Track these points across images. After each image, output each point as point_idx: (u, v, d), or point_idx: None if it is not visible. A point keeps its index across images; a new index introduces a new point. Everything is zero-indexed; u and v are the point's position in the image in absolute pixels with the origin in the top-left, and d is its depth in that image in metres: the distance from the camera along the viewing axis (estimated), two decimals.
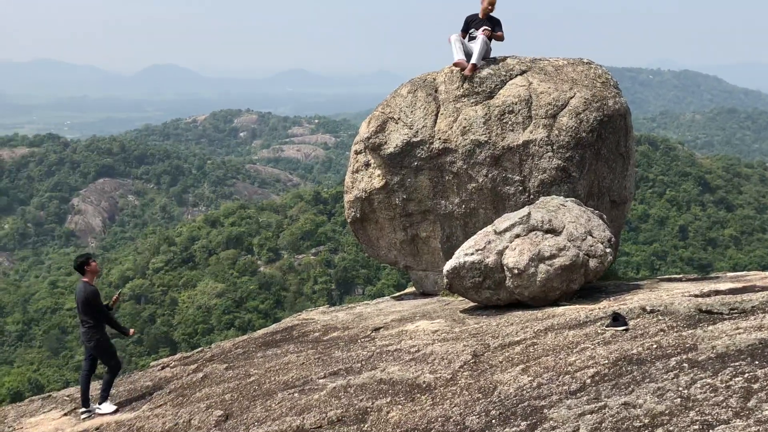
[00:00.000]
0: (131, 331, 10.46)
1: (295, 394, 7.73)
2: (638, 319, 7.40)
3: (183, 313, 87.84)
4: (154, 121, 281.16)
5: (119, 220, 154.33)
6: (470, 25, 13.70)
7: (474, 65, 13.20)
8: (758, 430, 3.79)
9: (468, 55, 13.40)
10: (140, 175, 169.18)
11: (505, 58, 13.82)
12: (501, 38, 13.63)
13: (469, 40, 13.57)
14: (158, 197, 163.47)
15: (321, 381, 8.02)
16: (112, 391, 10.34)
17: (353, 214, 14.40)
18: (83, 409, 9.87)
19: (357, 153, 14.28)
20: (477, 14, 13.72)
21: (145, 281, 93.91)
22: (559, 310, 9.32)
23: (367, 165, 13.99)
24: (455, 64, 13.45)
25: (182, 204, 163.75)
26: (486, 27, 13.37)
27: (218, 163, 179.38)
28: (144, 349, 79.81)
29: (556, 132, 12.46)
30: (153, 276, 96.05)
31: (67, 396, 11.56)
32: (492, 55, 13.87)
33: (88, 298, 9.57)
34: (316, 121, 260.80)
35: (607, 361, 5.97)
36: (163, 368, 11.99)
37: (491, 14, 13.67)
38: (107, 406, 9.77)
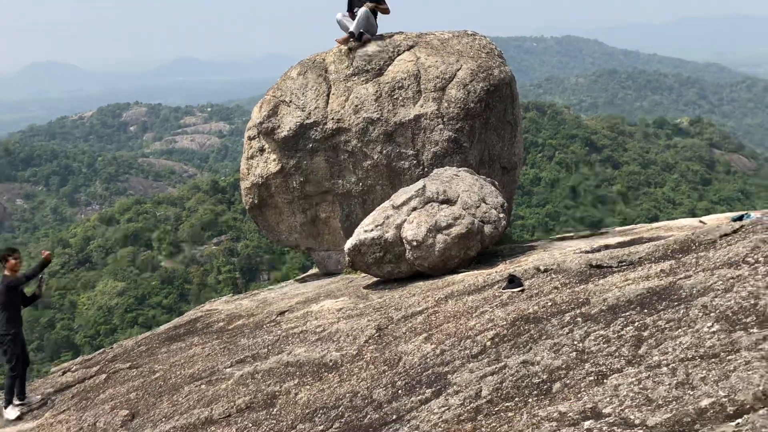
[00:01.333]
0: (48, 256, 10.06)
1: (202, 386, 7.65)
2: (533, 279, 7.60)
3: (83, 316, 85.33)
4: (39, 121, 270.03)
5: (8, 226, 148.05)
6: (354, 2, 13.76)
7: (350, 33, 13.37)
8: (648, 375, 3.95)
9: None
10: (28, 177, 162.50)
11: (392, 35, 13.91)
12: (386, 11, 13.70)
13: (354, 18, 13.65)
14: (48, 199, 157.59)
15: (228, 370, 7.96)
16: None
17: (251, 200, 14.27)
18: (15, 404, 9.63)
19: (251, 139, 14.14)
20: None
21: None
22: (458, 277, 9.50)
23: (262, 150, 13.87)
24: (336, 41, 13.62)
25: (74, 204, 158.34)
26: (368, 1, 13.44)
27: (109, 160, 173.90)
28: (45, 355, 77.08)
29: (446, 104, 12.63)
30: (49, 280, 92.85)
31: None
32: (380, 32, 13.94)
33: (7, 285, 9.40)
34: (209, 109, 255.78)
35: (505, 323, 6.12)
36: (64, 373, 11.65)
37: None
38: (11, 411, 9.50)
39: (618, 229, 13.19)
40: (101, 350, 13.22)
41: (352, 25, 13.50)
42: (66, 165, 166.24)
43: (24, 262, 10.13)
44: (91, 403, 8.79)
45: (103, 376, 10.03)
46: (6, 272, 9.56)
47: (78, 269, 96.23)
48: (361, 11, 13.32)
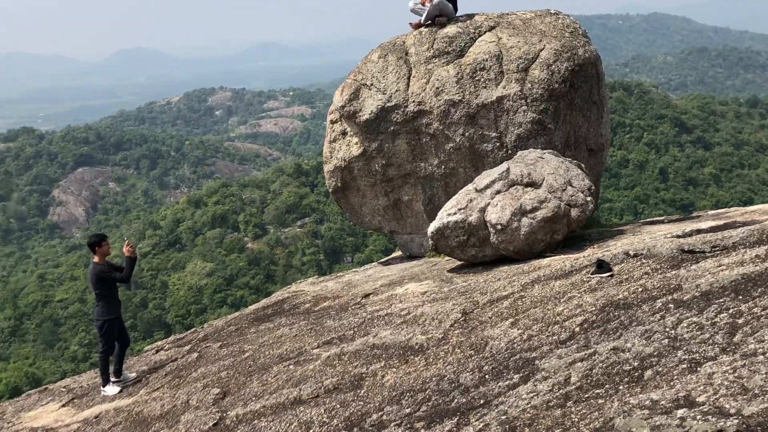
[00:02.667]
0: (130, 250, 10.21)
1: (290, 366, 7.79)
2: (623, 264, 7.46)
3: (174, 296, 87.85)
4: (128, 106, 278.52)
5: (102, 209, 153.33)
6: None
7: (419, 22, 13.68)
8: (744, 363, 3.85)
9: None
10: (119, 161, 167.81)
11: (472, 16, 13.79)
12: None
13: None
14: (139, 182, 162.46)
15: (315, 351, 8.08)
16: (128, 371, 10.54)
17: (334, 183, 14.40)
18: (113, 380, 10.04)
19: (333, 122, 14.25)
20: None
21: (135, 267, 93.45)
22: (545, 261, 9.39)
23: (344, 133, 13.97)
24: (410, 24, 13.87)
25: (164, 187, 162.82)
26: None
27: (196, 144, 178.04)
28: (138, 334, 79.83)
29: (529, 85, 12.47)
30: (141, 260, 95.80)
31: (64, 387, 11.59)
32: (459, 13, 13.86)
33: (98, 274, 9.73)
34: (291, 93, 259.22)
35: (594, 308, 6.04)
36: (157, 351, 12.04)
37: None
38: (111, 389, 9.91)
39: (710, 212, 12.82)
40: (192, 329, 13.59)
41: (424, 14, 13.55)
42: (155, 149, 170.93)
43: (115, 243, 10.43)
44: (183, 381, 9.05)
45: (195, 354, 10.31)
46: (95, 258, 9.83)
47: (168, 250, 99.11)
48: (435, 1, 13.34)
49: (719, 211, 12.73)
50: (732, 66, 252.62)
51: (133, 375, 10.36)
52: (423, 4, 13.58)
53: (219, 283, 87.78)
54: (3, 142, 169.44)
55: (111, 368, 10.17)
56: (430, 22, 13.62)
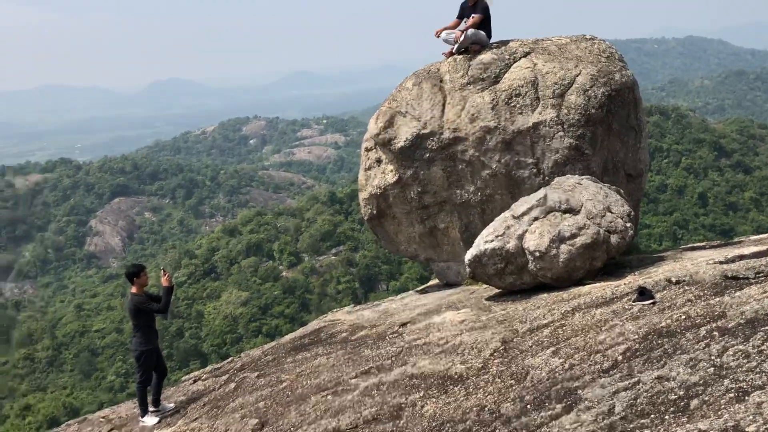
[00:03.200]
0: (168, 280, 10.23)
1: (329, 396, 7.75)
2: (665, 292, 7.36)
3: (210, 325, 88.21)
4: (164, 136, 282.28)
5: (138, 238, 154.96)
6: (464, 11, 13.80)
7: (451, 51, 13.67)
8: None
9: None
10: (155, 191, 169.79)
11: (506, 42, 13.80)
12: (477, 21, 13.53)
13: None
14: (175, 212, 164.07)
15: (353, 381, 8.04)
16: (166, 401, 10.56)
17: (369, 211, 14.40)
18: (151, 410, 10.07)
19: (368, 150, 14.28)
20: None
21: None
22: (585, 289, 9.29)
23: (379, 161, 13.99)
24: (443, 54, 13.93)
25: (199, 216, 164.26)
26: (459, 29, 13.46)
27: (231, 173, 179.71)
28: (175, 363, 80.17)
29: (565, 111, 12.40)
30: (177, 290, 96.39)
31: (103, 417, 11.64)
32: (494, 40, 13.87)
33: (136, 305, 9.77)
34: (324, 121, 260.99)
35: (636, 336, 5.95)
36: (195, 381, 12.06)
37: None
38: (149, 419, 9.94)
39: (753, 237, 12.62)
40: (229, 359, 13.60)
41: (455, 43, 13.59)
42: (190, 178, 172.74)
43: (152, 273, 10.48)
44: (221, 411, 9.05)
45: (233, 384, 10.31)
46: (134, 289, 9.89)
47: (204, 279, 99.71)
48: (468, 33, 13.35)
49: (761, 236, 12.53)
50: None
51: (172, 405, 10.38)
52: (456, 40, 13.57)
53: (254, 312, 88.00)
54: (41, 173, 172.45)
55: (149, 398, 10.20)
56: (463, 49, 13.64)
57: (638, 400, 4.52)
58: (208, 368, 13.29)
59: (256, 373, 10.48)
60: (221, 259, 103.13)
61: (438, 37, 13.85)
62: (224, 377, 11.26)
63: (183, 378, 13.36)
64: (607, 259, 10.31)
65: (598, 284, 9.45)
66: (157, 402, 10.23)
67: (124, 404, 13.00)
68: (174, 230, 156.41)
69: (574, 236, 9.92)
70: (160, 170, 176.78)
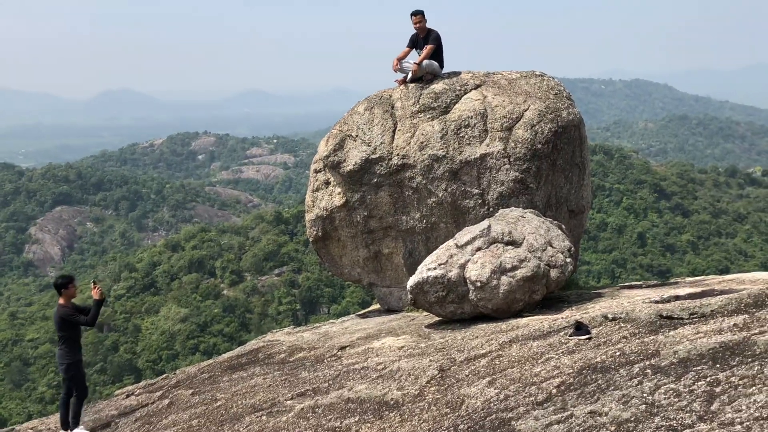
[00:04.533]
0: (98, 293, 10.01)
1: (263, 417, 7.66)
2: (601, 327, 7.46)
3: (146, 340, 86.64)
4: (111, 147, 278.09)
5: (78, 248, 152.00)
6: (416, 43, 13.94)
7: (404, 79, 13.88)
8: None
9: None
10: (98, 201, 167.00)
11: (458, 73, 13.96)
12: (430, 52, 13.69)
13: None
14: (117, 223, 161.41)
15: (289, 402, 7.96)
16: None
17: (315, 233, 14.36)
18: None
19: (316, 172, 14.27)
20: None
21: (107, 309, 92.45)
22: (523, 321, 9.37)
23: (327, 183, 13.99)
24: (396, 81, 14.09)
25: (142, 229, 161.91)
26: (414, 62, 13.60)
27: (177, 187, 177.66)
28: (108, 377, 78.51)
29: (513, 144, 12.58)
30: (115, 303, 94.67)
31: (31, 428, 11.33)
32: (445, 71, 14.03)
33: (63, 317, 9.56)
34: (275, 141, 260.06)
35: (571, 371, 6.01)
36: (128, 396, 11.82)
37: (428, 27, 13.85)
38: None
39: (688, 279, 12.89)
40: (164, 375, 13.38)
41: (409, 72, 13.71)
42: (135, 191, 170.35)
43: (90, 284, 10.24)
44: (153, 427, 8.88)
45: (166, 401, 10.13)
46: (61, 300, 9.71)
47: (143, 293, 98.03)
48: (423, 64, 13.51)
49: (697, 278, 12.81)
50: (712, 135, 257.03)
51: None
52: (413, 71, 13.69)
53: (192, 329, 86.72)
54: None
55: (81, 409, 9.95)
56: (416, 78, 13.78)
57: None
58: (142, 383, 13.05)
59: (191, 391, 10.32)
60: (162, 273, 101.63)
61: (396, 71, 13.95)
62: (158, 393, 11.06)
63: (116, 392, 13.09)
64: (547, 293, 10.43)
65: (536, 317, 9.54)
66: (75, 423, 9.92)
67: (53, 416, 12.67)
68: (115, 242, 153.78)
69: (515, 268, 10.02)
70: (104, 181, 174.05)
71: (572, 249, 10.88)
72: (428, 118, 13.16)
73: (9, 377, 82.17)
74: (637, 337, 6.65)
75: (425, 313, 11.74)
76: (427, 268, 10.63)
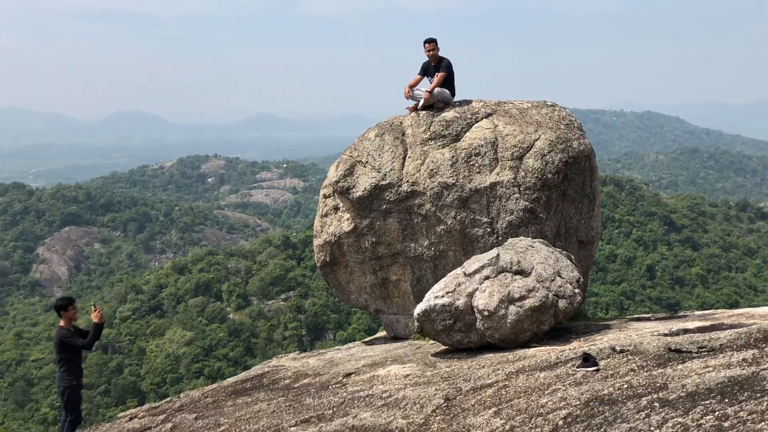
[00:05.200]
0: (98, 316, 10.01)
1: None
2: (608, 359, 7.41)
3: (151, 363, 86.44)
4: (121, 168, 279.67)
5: (85, 269, 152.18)
6: (427, 71, 14.02)
7: (415, 106, 13.92)
8: None
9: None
10: (106, 222, 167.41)
11: (470, 102, 14.01)
12: (442, 79, 13.75)
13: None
14: (125, 245, 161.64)
15: (292, 429, 7.90)
16: None
17: (323, 258, 14.35)
18: None
19: (326, 197, 14.29)
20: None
21: (112, 330, 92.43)
22: (530, 351, 9.31)
23: (336, 209, 14.00)
24: (407, 108, 14.15)
25: (149, 251, 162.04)
26: (426, 89, 13.68)
27: (186, 210, 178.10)
28: (111, 400, 78.30)
29: (523, 174, 12.58)
30: (120, 325, 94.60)
31: None
32: (457, 99, 14.08)
33: (61, 339, 9.54)
34: (285, 165, 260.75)
35: (578, 402, 5.95)
36: (131, 419, 11.76)
37: (440, 55, 13.92)
38: None
39: (697, 313, 12.81)
40: (168, 399, 13.31)
41: (421, 99, 13.77)
42: (144, 212, 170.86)
43: (94, 306, 10.22)
44: None
45: (170, 425, 10.07)
46: (62, 322, 9.71)
47: (149, 316, 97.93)
48: (435, 92, 13.58)
49: (706, 312, 12.73)
50: (723, 168, 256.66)
51: None
52: (425, 99, 13.75)
53: (197, 352, 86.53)
54: None
55: None
56: (428, 105, 13.83)
57: None
58: (146, 406, 12.99)
59: (194, 415, 10.26)
60: (168, 296, 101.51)
61: (407, 98, 14.02)
62: (161, 416, 11.00)
63: (119, 414, 13.02)
64: (555, 324, 10.37)
65: (543, 348, 9.48)
66: None
67: None
68: (122, 263, 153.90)
69: (523, 298, 9.98)
70: (113, 202, 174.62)
71: (581, 279, 10.83)
72: (439, 145, 13.19)
73: (12, 397, 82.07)
74: (645, 369, 6.60)
75: (432, 342, 11.68)
76: (434, 296, 10.60)
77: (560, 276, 10.52)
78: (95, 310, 9.83)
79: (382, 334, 15.61)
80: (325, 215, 14.22)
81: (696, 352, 6.88)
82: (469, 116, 13.45)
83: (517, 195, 12.55)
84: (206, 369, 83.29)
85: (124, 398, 77.04)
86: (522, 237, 11.90)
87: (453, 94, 13.96)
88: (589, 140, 13.80)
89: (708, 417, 4.70)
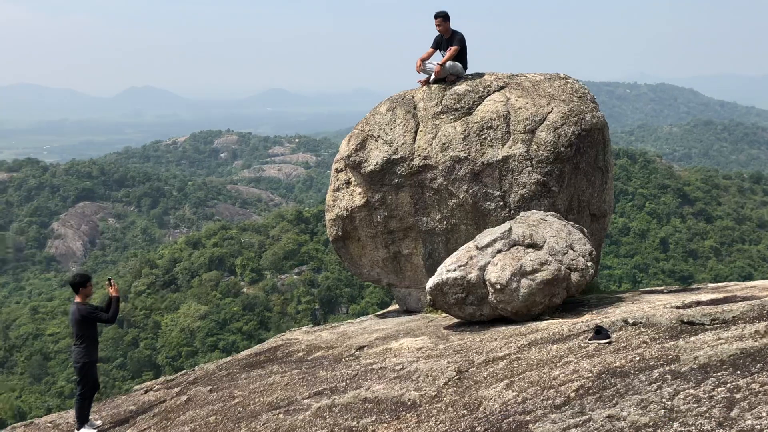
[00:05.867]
0: (116, 290, 10.17)
1: (280, 415, 7.68)
2: (621, 332, 7.41)
3: (166, 336, 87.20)
4: (134, 144, 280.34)
5: (100, 244, 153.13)
6: (440, 44, 13.90)
7: (427, 79, 13.84)
8: None
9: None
10: (120, 198, 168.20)
11: (482, 75, 13.91)
12: (454, 53, 13.65)
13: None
14: (139, 220, 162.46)
15: (306, 401, 7.97)
16: (95, 416, 10.30)
17: (335, 232, 14.37)
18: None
19: (338, 171, 14.29)
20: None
21: (128, 305, 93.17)
22: (542, 324, 9.33)
23: (348, 183, 14.00)
24: (419, 82, 14.02)
25: (163, 226, 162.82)
26: (438, 63, 13.56)
27: (199, 184, 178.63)
28: (127, 373, 79.13)
29: (535, 147, 12.52)
30: (135, 299, 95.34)
31: (50, 422, 11.42)
32: (469, 72, 13.99)
33: (84, 316, 9.60)
34: (297, 140, 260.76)
35: (590, 375, 5.97)
36: (146, 392, 11.89)
37: (452, 29, 13.80)
38: (87, 431, 9.74)
39: (710, 285, 12.77)
40: (183, 372, 13.44)
41: (432, 73, 13.67)
42: (158, 188, 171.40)
43: (109, 281, 10.29)
44: (171, 423, 8.92)
45: (184, 397, 10.18)
46: (78, 298, 9.77)
47: (163, 290, 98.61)
48: (447, 65, 13.47)
49: (719, 284, 12.70)
50: (737, 141, 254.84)
51: (99, 422, 10.14)
52: (436, 72, 13.65)
53: (212, 326, 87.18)
54: (7, 172, 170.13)
55: (90, 409, 10.02)
56: (439, 79, 13.75)
57: None
58: (161, 379, 13.13)
59: (208, 387, 10.36)
60: (182, 270, 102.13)
61: (419, 71, 13.92)
62: (176, 389, 11.12)
63: (135, 387, 13.17)
64: (567, 297, 10.38)
65: (556, 321, 9.50)
66: (82, 422, 10.00)
67: (72, 410, 12.78)
68: (137, 238, 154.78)
69: (535, 271, 9.98)
70: (127, 177, 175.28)
71: (593, 253, 10.82)
72: (451, 119, 13.13)
73: (29, 371, 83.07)
74: (658, 342, 6.60)
75: (444, 315, 11.72)
76: (446, 270, 10.61)
77: (573, 249, 10.51)
78: (111, 285, 9.91)
79: (394, 307, 15.67)
80: (337, 189, 14.23)
81: (708, 324, 6.87)
82: (481, 89, 13.37)
83: (529, 168, 12.51)
84: (221, 342, 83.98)
85: (140, 371, 77.84)
86: (534, 210, 11.88)
87: (465, 67, 13.87)
88: (602, 113, 13.71)
89: (720, 389, 4.71)
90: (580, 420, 4.89)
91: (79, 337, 9.78)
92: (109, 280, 10.19)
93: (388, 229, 13.68)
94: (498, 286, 9.98)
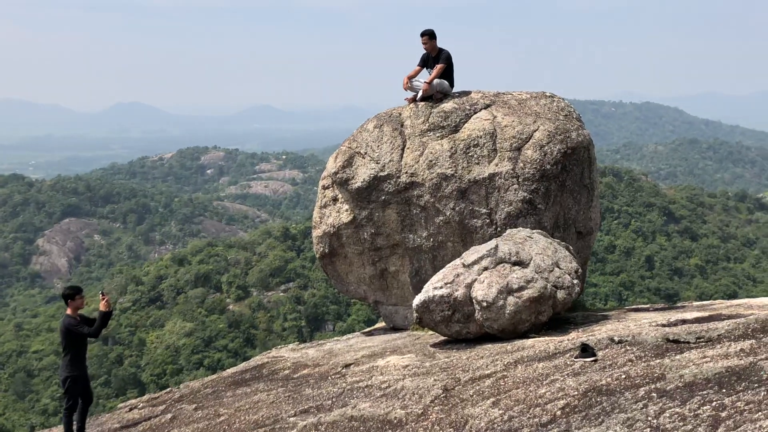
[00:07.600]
0: (105, 305, 10.00)
1: None
2: (607, 350, 7.43)
3: (151, 354, 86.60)
4: (121, 160, 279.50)
5: (85, 260, 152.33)
6: (426, 62, 13.97)
7: (414, 97, 13.85)
8: None
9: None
10: (106, 214, 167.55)
11: (469, 93, 13.98)
12: (441, 71, 13.70)
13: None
14: (124, 236, 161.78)
15: (291, 419, 7.93)
16: None
17: (322, 249, 14.35)
18: None
19: (325, 188, 14.28)
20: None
21: (112, 321, 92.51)
22: (529, 342, 9.34)
23: (335, 200, 13.99)
24: (405, 99, 14.07)
25: (149, 243, 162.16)
26: (425, 80, 13.63)
27: (185, 201, 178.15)
28: (111, 390, 78.48)
29: (521, 164, 12.57)
30: (120, 316, 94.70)
31: None
32: (456, 90, 14.05)
33: (68, 327, 9.53)
34: (284, 157, 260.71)
35: (576, 393, 5.98)
36: (131, 410, 11.80)
37: (439, 47, 13.86)
38: None
39: (695, 303, 12.82)
40: (168, 389, 13.35)
41: (419, 90, 13.71)
42: (143, 204, 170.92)
43: (96, 296, 10.25)
44: None
45: (169, 415, 10.11)
46: (68, 311, 9.72)
47: (149, 307, 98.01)
48: (434, 83, 13.52)
49: (704, 302, 12.76)
50: (722, 159, 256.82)
51: None
52: (424, 90, 13.68)
53: (197, 344, 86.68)
54: None
55: (74, 426, 9.93)
56: (427, 96, 13.79)
57: None
58: (146, 397, 13.03)
59: (194, 405, 10.30)
60: (168, 287, 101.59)
61: (406, 89, 13.96)
62: (161, 407, 11.04)
63: (119, 405, 13.06)
64: (553, 314, 10.38)
65: (542, 338, 9.50)
66: (81, 431, 9.95)
67: (56, 428, 12.67)
68: (122, 255, 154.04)
69: (521, 289, 9.99)
70: (113, 193, 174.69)
71: (579, 270, 10.85)
72: (437, 136, 13.17)
73: (13, 388, 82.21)
74: (643, 360, 6.62)
75: (430, 332, 11.71)
76: (433, 287, 10.61)
77: (558, 267, 10.53)
78: (103, 298, 9.84)
79: (381, 325, 15.63)
80: (324, 206, 14.22)
81: (694, 343, 6.90)
82: (468, 107, 13.43)
83: (515, 186, 12.55)
84: (206, 360, 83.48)
85: (125, 389, 77.23)
86: (521, 228, 11.91)
87: (452, 85, 13.94)
88: (588, 131, 13.78)
89: (705, 407, 4.72)
90: None
91: (65, 349, 9.73)
92: (102, 293, 10.11)
93: (375, 246, 13.67)
94: (484, 304, 9.98)
